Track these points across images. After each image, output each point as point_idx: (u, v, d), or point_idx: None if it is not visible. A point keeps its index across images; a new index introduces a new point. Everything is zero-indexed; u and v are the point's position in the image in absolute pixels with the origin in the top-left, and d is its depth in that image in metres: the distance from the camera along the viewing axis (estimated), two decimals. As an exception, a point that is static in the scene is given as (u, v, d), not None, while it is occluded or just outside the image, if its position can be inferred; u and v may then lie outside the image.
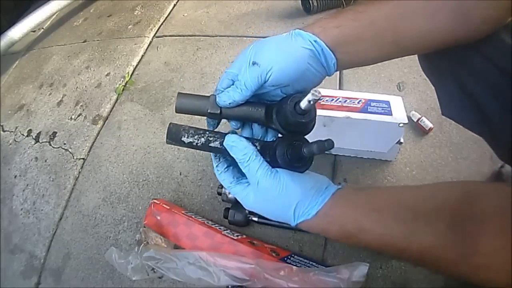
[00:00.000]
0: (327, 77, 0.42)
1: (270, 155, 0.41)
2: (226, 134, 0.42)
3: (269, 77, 0.38)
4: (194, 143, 0.42)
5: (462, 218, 0.31)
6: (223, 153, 0.43)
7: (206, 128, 0.44)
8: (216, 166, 0.44)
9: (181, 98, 0.42)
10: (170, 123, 0.43)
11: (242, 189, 0.41)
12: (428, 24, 0.38)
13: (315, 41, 0.38)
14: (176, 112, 0.43)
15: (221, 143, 0.42)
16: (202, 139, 0.42)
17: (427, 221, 0.33)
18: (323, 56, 0.39)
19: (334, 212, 0.38)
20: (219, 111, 0.42)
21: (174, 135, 0.42)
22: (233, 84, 0.41)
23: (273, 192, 0.39)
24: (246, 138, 0.42)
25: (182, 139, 0.42)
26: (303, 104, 0.36)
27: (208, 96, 0.42)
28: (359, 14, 0.39)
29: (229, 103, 0.40)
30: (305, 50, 0.38)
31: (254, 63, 0.38)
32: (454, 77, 0.45)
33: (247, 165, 0.40)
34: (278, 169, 0.40)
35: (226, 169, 0.43)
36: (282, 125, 0.40)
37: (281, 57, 0.38)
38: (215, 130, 0.44)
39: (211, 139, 0.42)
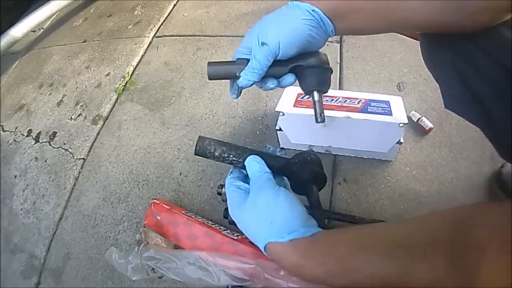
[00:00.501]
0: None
1: (286, 174, 0.47)
2: (247, 155, 0.48)
3: (278, 52, 0.42)
4: (220, 161, 0.51)
5: (459, 249, 0.30)
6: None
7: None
8: (230, 172, 0.50)
9: (211, 66, 0.47)
10: (198, 140, 0.50)
11: (238, 194, 0.44)
12: (423, 7, 0.39)
13: (313, 10, 0.41)
14: (209, 79, 0.48)
15: (243, 165, 0.48)
16: (226, 161, 0.50)
17: (423, 257, 0.32)
18: (322, 23, 0.42)
19: (315, 249, 0.37)
20: None
21: (201, 154, 0.50)
22: (245, 57, 0.46)
23: (267, 199, 0.41)
24: (266, 157, 0.48)
25: (208, 158, 0.50)
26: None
27: (234, 61, 0.47)
28: None
29: (251, 84, 0.45)
30: (305, 21, 0.41)
31: (263, 44, 0.42)
32: (456, 71, 0.46)
33: (257, 177, 0.44)
34: (282, 188, 0.43)
35: (237, 177, 0.48)
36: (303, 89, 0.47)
37: (284, 33, 0.42)
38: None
39: (234, 162, 0.50)
